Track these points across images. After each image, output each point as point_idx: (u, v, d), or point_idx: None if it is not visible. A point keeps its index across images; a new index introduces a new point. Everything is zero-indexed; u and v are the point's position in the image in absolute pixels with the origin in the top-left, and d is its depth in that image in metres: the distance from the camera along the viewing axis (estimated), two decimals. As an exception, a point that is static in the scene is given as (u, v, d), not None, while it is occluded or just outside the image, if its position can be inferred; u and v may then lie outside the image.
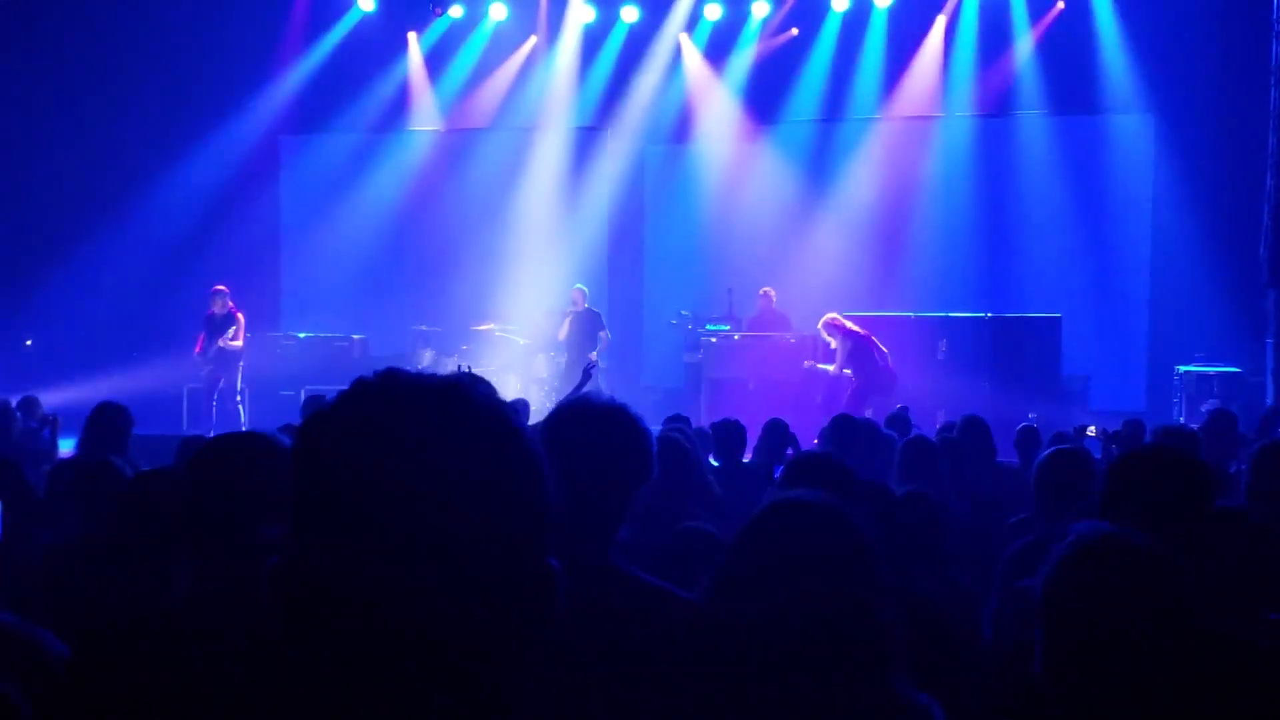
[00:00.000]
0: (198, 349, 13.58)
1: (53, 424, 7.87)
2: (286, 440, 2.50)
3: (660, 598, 2.29)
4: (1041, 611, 2.13)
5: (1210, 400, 11.42)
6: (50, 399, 10.45)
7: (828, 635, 2.00)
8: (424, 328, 14.30)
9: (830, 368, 12.49)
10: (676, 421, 6.74)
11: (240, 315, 13.55)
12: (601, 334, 14.16)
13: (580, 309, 14.10)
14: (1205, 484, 2.96)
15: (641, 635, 2.12)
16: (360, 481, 1.03)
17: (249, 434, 2.46)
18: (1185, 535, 2.68)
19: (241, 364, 13.55)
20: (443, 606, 1.02)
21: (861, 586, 2.04)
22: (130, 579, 3.53)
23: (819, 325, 12.59)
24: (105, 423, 5.80)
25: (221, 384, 13.44)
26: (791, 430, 7.30)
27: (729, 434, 6.80)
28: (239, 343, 13.47)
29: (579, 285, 14.36)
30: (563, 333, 14.12)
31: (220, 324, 13.44)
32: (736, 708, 2.00)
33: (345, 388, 1.11)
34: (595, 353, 14.02)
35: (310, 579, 1.04)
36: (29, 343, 15.58)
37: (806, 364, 12.72)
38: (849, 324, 12.52)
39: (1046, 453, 4.37)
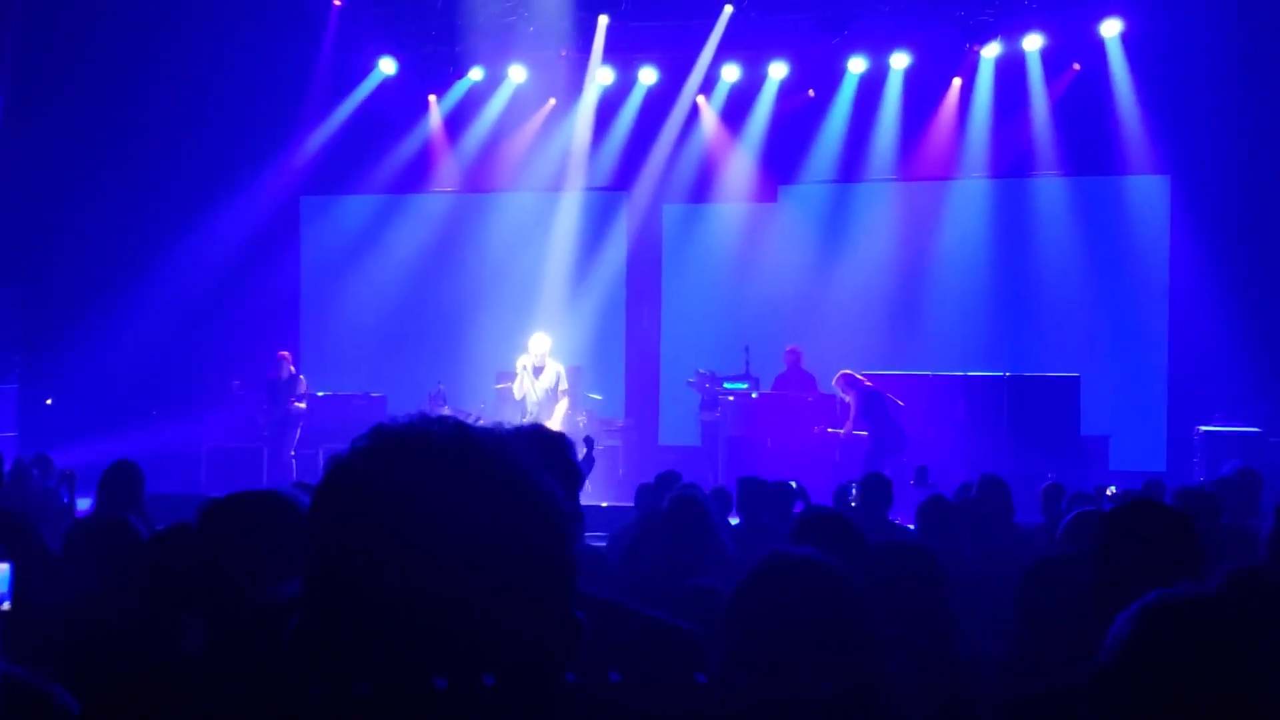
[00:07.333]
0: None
1: (69, 481, 7.92)
2: (301, 496, 2.51)
3: (655, 628, 2.21)
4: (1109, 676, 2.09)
5: (1231, 460, 11.32)
6: (70, 457, 10.54)
7: (828, 688, 1.99)
8: (442, 386, 14.32)
9: (841, 431, 12.56)
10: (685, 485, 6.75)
11: (303, 378, 14.19)
12: (562, 390, 12.93)
13: (539, 363, 12.91)
14: (1188, 534, 2.97)
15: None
16: (379, 548, 1.02)
17: (263, 491, 2.47)
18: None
19: (301, 424, 14.03)
20: (466, 665, 1.01)
21: (857, 639, 2.03)
22: (146, 636, 3.53)
23: (833, 382, 12.68)
24: (119, 480, 5.87)
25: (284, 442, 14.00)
26: (807, 490, 7.31)
27: (750, 492, 6.81)
28: (303, 404, 14.02)
29: (540, 332, 13.26)
30: (518, 389, 12.95)
31: (285, 387, 13.93)
32: None
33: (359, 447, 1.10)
34: (583, 418, 13.25)
35: (331, 642, 1.03)
36: (49, 402, 15.68)
37: (816, 429, 12.77)
38: (860, 378, 12.60)
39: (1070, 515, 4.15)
